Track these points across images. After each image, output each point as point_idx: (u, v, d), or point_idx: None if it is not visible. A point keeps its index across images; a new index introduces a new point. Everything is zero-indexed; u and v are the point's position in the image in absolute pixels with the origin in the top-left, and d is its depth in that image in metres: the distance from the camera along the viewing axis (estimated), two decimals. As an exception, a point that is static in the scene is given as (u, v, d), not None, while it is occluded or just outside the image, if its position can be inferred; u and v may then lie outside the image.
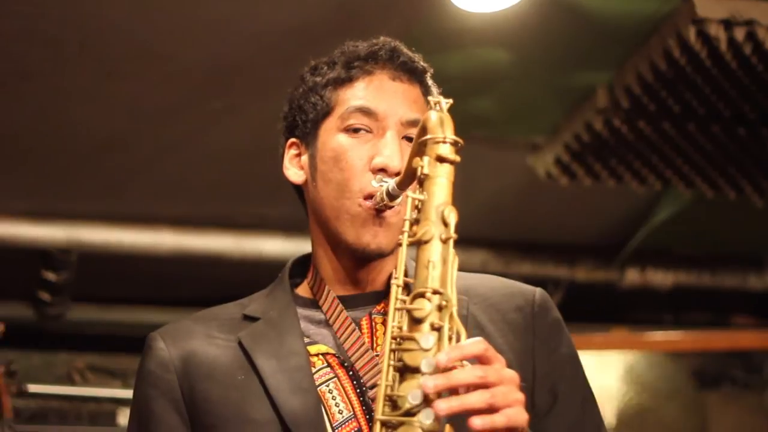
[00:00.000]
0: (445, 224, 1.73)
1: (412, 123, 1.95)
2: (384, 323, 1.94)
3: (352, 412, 1.89)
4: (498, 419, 1.63)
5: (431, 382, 1.63)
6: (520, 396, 1.67)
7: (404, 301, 1.73)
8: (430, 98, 1.84)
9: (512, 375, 1.68)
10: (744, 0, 3.95)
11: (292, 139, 2.06)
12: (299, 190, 2.08)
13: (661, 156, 4.83)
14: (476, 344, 1.67)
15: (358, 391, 1.91)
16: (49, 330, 6.22)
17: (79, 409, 5.91)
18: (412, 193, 1.78)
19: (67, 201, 5.39)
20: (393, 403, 1.68)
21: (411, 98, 1.99)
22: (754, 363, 6.53)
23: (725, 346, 6.32)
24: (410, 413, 1.66)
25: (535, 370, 1.96)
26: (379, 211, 1.93)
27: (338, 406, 1.90)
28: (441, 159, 1.76)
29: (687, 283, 6.16)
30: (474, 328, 1.93)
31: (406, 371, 1.69)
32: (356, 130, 1.96)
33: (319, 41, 4.10)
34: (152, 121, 4.72)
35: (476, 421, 1.61)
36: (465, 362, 1.68)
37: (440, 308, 1.69)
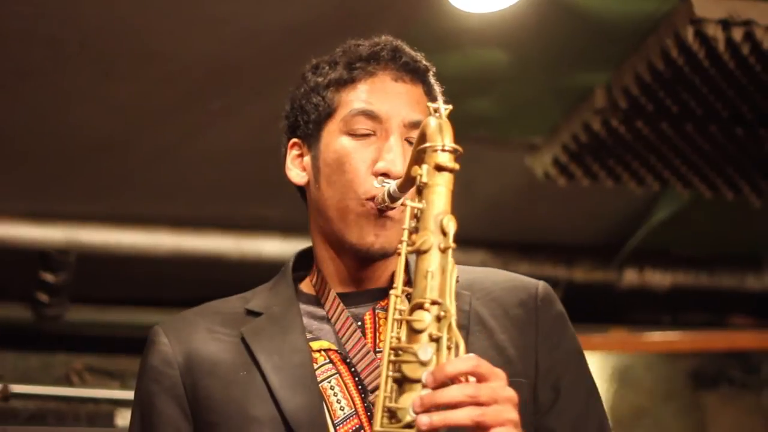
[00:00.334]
0: (444, 233, 1.73)
1: (415, 124, 1.95)
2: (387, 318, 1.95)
3: (353, 409, 1.90)
4: None
5: (418, 401, 1.63)
6: (514, 416, 1.66)
7: (403, 312, 1.73)
8: (429, 104, 1.83)
9: (509, 394, 1.67)
10: (742, 0, 3.95)
11: (294, 140, 2.06)
12: (301, 190, 2.08)
13: (659, 156, 4.83)
14: (466, 361, 1.66)
15: (359, 387, 1.91)
16: (47, 331, 6.21)
17: (77, 411, 5.89)
18: (410, 202, 1.77)
19: (66, 202, 5.38)
20: (392, 414, 1.68)
21: (414, 99, 1.99)
22: (752, 363, 6.54)
23: (723, 347, 6.32)
24: (410, 425, 1.66)
25: (538, 365, 1.96)
26: (381, 211, 1.93)
27: (340, 403, 1.90)
28: (440, 168, 1.76)
29: (685, 284, 6.16)
30: (476, 324, 1.93)
31: (405, 382, 1.69)
32: (359, 133, 1.96)
33: (318, 41, 4.09)
34: (151, 122, 4.72)
35: None
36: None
37: (439, 319, 1.69)
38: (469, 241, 5.63)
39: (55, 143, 4.86)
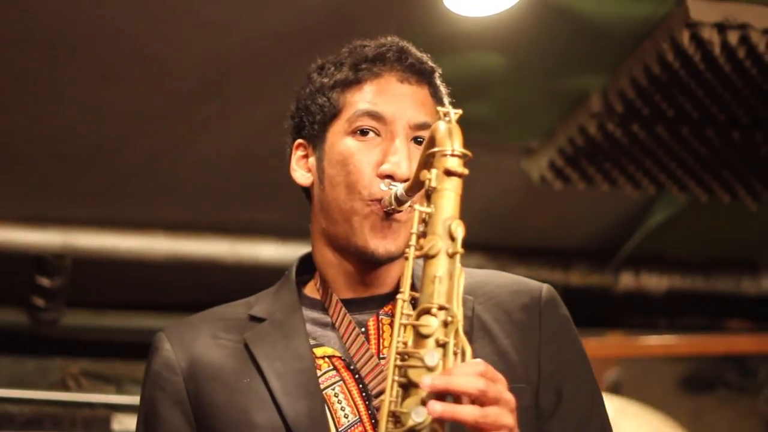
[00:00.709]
0: (452, 238, 1.73)
1: (421, 126, 1.95)
2: (391, 324, 1.93)
3: (357, 416, 1.89)
4: None
5: (429, 380, 1.62)
6: (512, 422, 1.65)
7: (409, 316, 1.72)
8: (438, 108, 1.82)
9: (511, 399, 1.67)
10: (738, 3, 3.95)
11: (299, 140, 2.06)
12: (306, 192, 2.07)
13: (655, 160, 4.83)
14: (476, 365, 1.65)
15: (364, 394, 1.90)
16: (44, 336, 6.21)
17: (73, 415, 5.89)
18: (419, 206, 1.77)
19: (61, 206, 5.38)
20: (396, 419, 1.68)
21: (419, 100, 1.99)
22: (749, 367, 6.54)
23: (720, 350, 6.32)
24: (414, 430, 1.66)
25: (541, 369, 1.95)
26: (387, 214, 1.92)
27: (344, 410, 1.90)
28: (449, 172, 1.76)
29: (681, 287, 6.16)
30: (479, 329, 1.92)
31: (410, 387, 1.68)
32: (364, 134, 1.96)
33: (313, 46, 4.09)
34: (146, 126, 4.71)
35: None
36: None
37: (446, 324, 1.68)
38: (465, 245, 5.61)
39: (50, 147, 4.86)
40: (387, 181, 1.92)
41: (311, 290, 2.04)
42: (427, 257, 1.72)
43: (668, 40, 4.02)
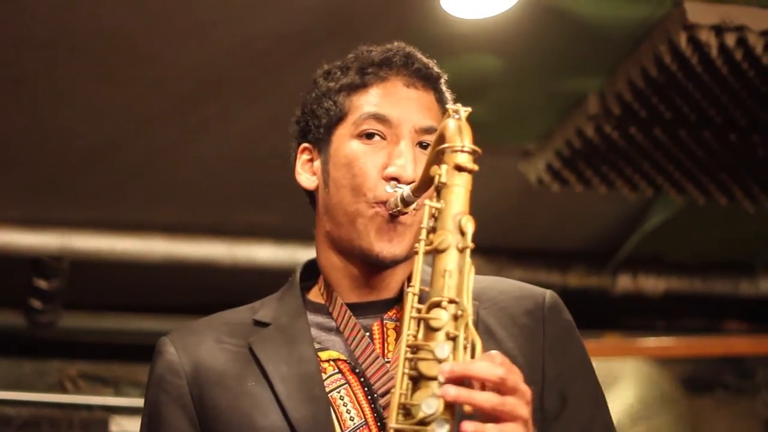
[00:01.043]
0: (462, 233, 1.73)
1: (426, 130, 1.96)
2: (396, 329, 1.95)
3: (363, 419, 1.89)
4: (490, 430, 1.62)
5: (448, 366, 1.62)
6: (527, 414, 1.65)
7: (420, 310, 1.72)
8: (448, 106, 1.83)
9: (527, 390, 1.67)
10: (735, 6, 3.95)
11: (305, 144, 2.06)
12: (311, 195, 2.07)
13: (653, 162, 4.83)
14: (496, 356, 1.66)
15: (369, 397, 1.90)
16: (41, 338, 6.21)
17: (71, 417, 5.90)
18: (429, 202, 1.77)
19: (59, 208, 5.38)
20: (407, 411, 1.68)
21: (425, 105, 2.00)
22: (747, 368, 6.54)
23: (717, 352, 6.32)
24: (424, 422, 1.65)
25: (545, 373, 1.96)
26: (393, 216, 1.93)
27: (349, 413, 1.89)
28: (459, 168, 1.76)
29: (679, 289, 6.16)
30: (484, 333, 1.92)
31: (420, 380, 1.68)
32: (370, 137, 1.96)
33: (311, 48, 4.12)
34: (144, 127, 4.71)
35: (468, 427, 1.60)
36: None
37: (456, 318, 1.69)
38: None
39: (48, 149, 4.86)
40: (393, 183, 1.92)
41: (315, 295, 2.05)
42: (437, 252, 1.73)
43: (665, 42, 4.02)
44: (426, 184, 1.82)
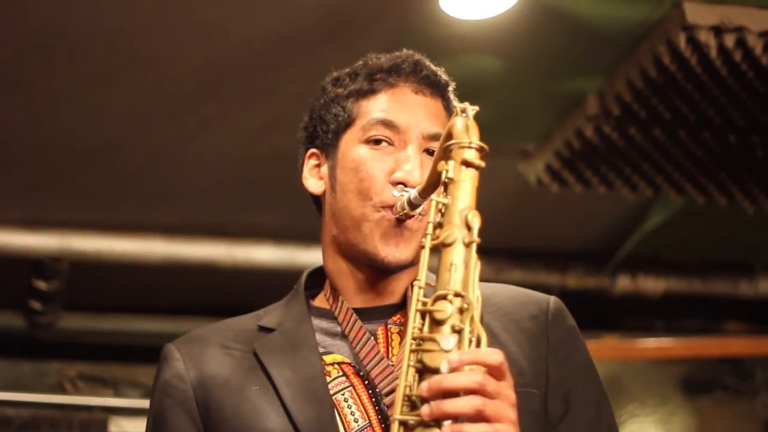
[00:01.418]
0: (469, 228, 1.74)
1: (433, 137, 1.96)
2: (400, 333, 1.96)
3: (367, 421, 1.89)
4: (485, 430, 1.62)
5: (426, 387, 1.63)
6: (514, 416, 1.66)
7: (425, 303, 1.73)
8: (456, 105, 1.85)
9: (512, 394, 1.67)
10: (734, 7, 3.95)
11: (312, 150, 2.07)
12: (317, 201, 2.08)
13: (652, 163, 4.83)
14: (494, 354, 1.66)
15: (373, 399, 1.91)
16: (41, 339, 6.21)
17: (70, 418, 5.90)
18: (436, 197, 1.78)
19: (58, 209, 5.38)
20: (412, 403, 1.68)
21: (433, 112, 2.00)
22: (746, 369, 6.55)
23: (717, 353, 6.33)
24: None
25: (549, 377, 1.96)
26: (399, 221, 1.93)
27: (354, 415, 1.90)
28: (466, 163, 1.77)
29: (678, 290, 6.16)
30: (488, 337, 1.93)
31: (425, 372, 1.68)
32: (377, 142, 1.97)
33: (310, 48, 4.12)
34: (144, 128, 4.71)
35: (464, 429, 1.61)
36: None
37: (461, 311, 1.69)
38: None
39: (47, 150, 4.86)
40: (399, 187, 1.93)
41: (321, 301, 2.05)
42: (444, 246, 1.73)
43: (665, 43, 4.02)
44: (433, 185, 1.83)
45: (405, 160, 1.95)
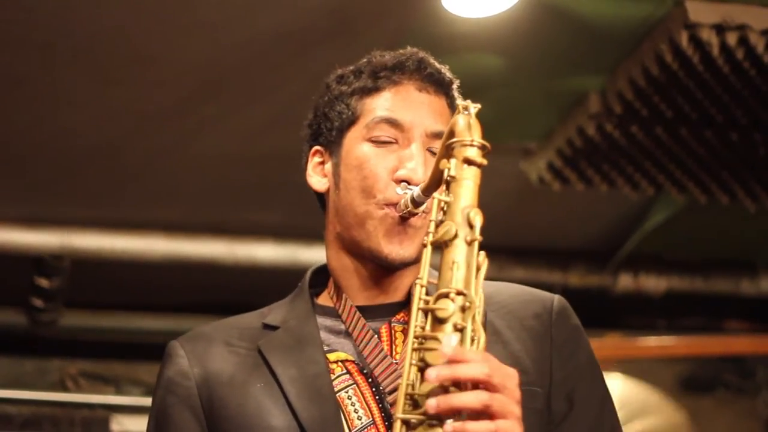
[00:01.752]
0: (471, 226, 1.74)
1: (437, 135, 1.96)
2: (404, 331, 1.95)
3: (371, 418, 1.89)
4: (489, 427, 1.62)
5: (434, 373, 1.63)
6: (518, 412, 1.66)
7: (427, 301, 1.73)
8: (458, 103, 1.85)
9: (518, 393, 1.67)
10: (736, 5, 3.95)
11: (316, 147, 2.07)
12: (321, 198, 2.08)
13: (654, 161, 4.83)
14: (481, 360, 1.66)
15: (377, 397, 1.91)
16: (42, 336, 6.21)
17: (72, 416, 5.90)
18: (438, 195, 1.78)
19: (60, 207, 5.38)
20: (414, 402, 1.69)
21: (437, 110, 2.00)
22: (747, 368, 6.55)
23: (718, 351, 6.33)
24: (430, 413, 1.65)
25: (552, 375, 1.96)
26: (403, 219, 1.93)
27: (357, 412, 1.90)
28: (468, 161, 1.77)
29: (680, 288, 6.16)
30: (492, 335, 1.92)
31: (428, 370, 1.68)
32: (381, 140, 1.97)
33: (311, 47, 4.12)
34: (145, 127, 4.71)
35: (467, 426, 1.61)
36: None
37: (463, 309, 1.69)
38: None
39: (49, 149, 4.86)
40: (403, 185, 1.93)
41: (325, 299, 2.05)
42: (446, 244, 1.73)
43: (667, 41, 4.02)
44: (436, 183, 1.83)
45: (408, 158, 1.95)
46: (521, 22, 4.07)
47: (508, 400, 1.64)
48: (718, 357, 6.48)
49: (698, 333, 6.33)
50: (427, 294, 1.76)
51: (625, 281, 6.07)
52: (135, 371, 6.26)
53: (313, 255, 5.25)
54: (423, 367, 1.69)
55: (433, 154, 1.95)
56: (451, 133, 1.80)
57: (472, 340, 1.67)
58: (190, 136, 4.78)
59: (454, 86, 2.06)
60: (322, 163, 2.06)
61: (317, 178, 2.06)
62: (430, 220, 1.78)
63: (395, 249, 1.94)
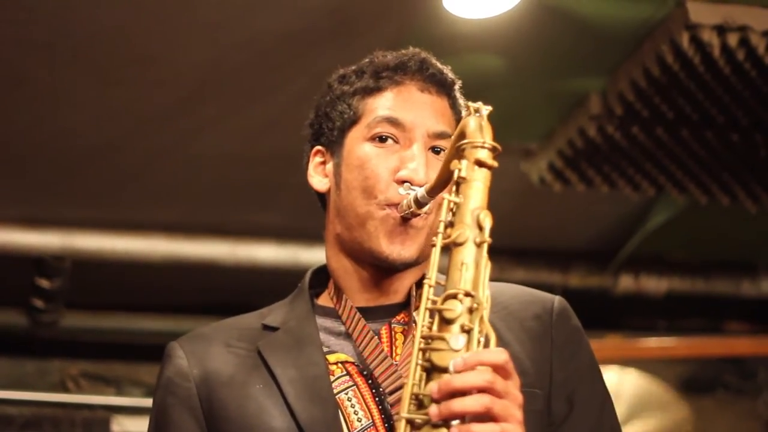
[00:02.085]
0: (480, 228, 1.74)
1: (439, 135, 1.96)
2: (404, 332, 1.95)
3: (371, 420, 1.89)
4: (494, 429, 1.62)
5: (436, 387, 1.63)
6: (520, 416, 1.66)
7: (435, 302, 1.72)
8: (470, 104, 1.83)
9: (519, 394, 1.67)
10: (737, 6, 3.95)
11: (318, 147, 2.06)
12: (322, 198, 2.08)
13: (655, 162, 4.83)
14: (500, 353, 1.66)
15: (377, 399, 1.90)
16: (43, 337, 6.21)
17: (72, 417, 5.90)
18: (448, 196, 1.77)
19: (61, 207, 5.38)
20: (419, 402, 1.68)
21: (439, 110, 2.00)
22: (748, 369, 6.55)
23: (719, 352, 6.33)
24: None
25: (552, 377, 1.95)
26: (405, 219, 1.93)
27: (357, 414, 1.89)
28: (479, 163, 1.77)
29: (681, 290, 6.16)
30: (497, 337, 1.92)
31: (433, 371, 1.68)
32: (383, 140, 1.97)
33: (312, 48, 4.12)
34: (145, 127, 4.71)
35: (472, 429, 1.61)
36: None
37: (471, 310, 1.69)
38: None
39: (49, 149, 4.86)
40: (405, 185, 1.92)
41: (325, 300, 2.05)
42: (455, 245, 1.73)
43: (668, 42, 4.02)
44: (443, 183, 1.83)
45: (410, 159, 1.94)
46: (522, 23, 4.07)
47: (510, 404, 1.64)
48: (719, 358, 6.47)
49: (699, 334, 6.33)
50: (434, 294, 1.75)
51: (626, 282, 6.07)
52: (136, 372, 6.26)
53: (315, 256, 5.24)
54: (429, 367, 1.68)
55: (435, 154, 1.95)
56: (462, 135, 1.79)
57: (479, 341, 1.67)
58: (190, 136, 4.78)
59: (457, 87, 2.05)
60: (324, 163, 2.05)
61: (318, 178, 2.05)
62: (440, 221, 1.77)
63: (396, 250, 1.93)
